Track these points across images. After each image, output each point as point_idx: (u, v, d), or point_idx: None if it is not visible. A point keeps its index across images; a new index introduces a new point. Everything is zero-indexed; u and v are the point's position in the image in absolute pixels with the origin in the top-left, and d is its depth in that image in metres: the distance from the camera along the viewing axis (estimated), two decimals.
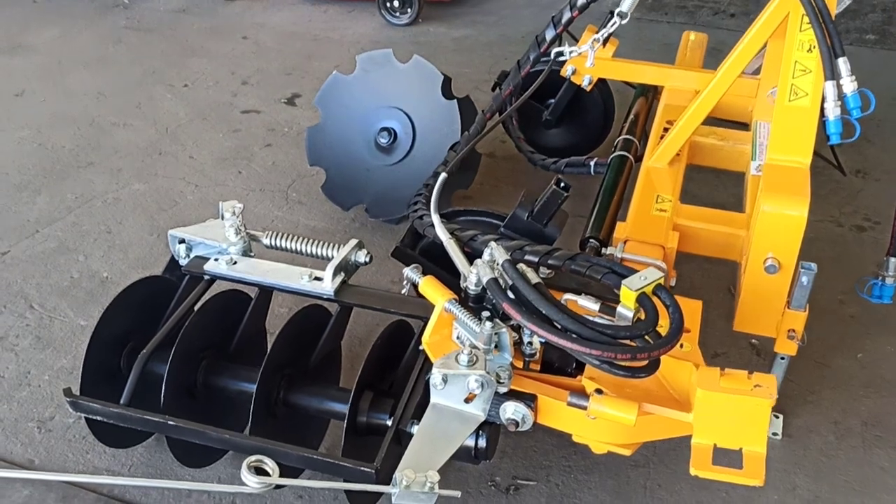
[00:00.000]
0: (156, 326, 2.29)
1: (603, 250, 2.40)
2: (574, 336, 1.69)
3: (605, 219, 2.61)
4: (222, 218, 2.43)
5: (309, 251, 2.36)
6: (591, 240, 2.49)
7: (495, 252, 1.92)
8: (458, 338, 1.95)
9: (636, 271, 1.89)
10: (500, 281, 1.87)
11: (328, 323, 2.27)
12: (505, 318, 1.92)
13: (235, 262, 2.34)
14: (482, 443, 2.00)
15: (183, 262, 2.42)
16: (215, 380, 2.26)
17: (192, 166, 3.90)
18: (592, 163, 3.13)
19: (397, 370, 2.16)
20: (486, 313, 1.93)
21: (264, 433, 2.03)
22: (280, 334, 2.12)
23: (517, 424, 1.90)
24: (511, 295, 1.84)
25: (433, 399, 1.84)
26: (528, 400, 1.90)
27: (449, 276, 2.57)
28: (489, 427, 2.04)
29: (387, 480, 1.80)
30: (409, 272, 2.05)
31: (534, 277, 1.85)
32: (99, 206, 3.60)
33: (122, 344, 2.28)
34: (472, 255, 2.10)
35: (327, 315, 2.30)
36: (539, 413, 1.92)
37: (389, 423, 2.00)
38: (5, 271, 3.19)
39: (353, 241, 2.32)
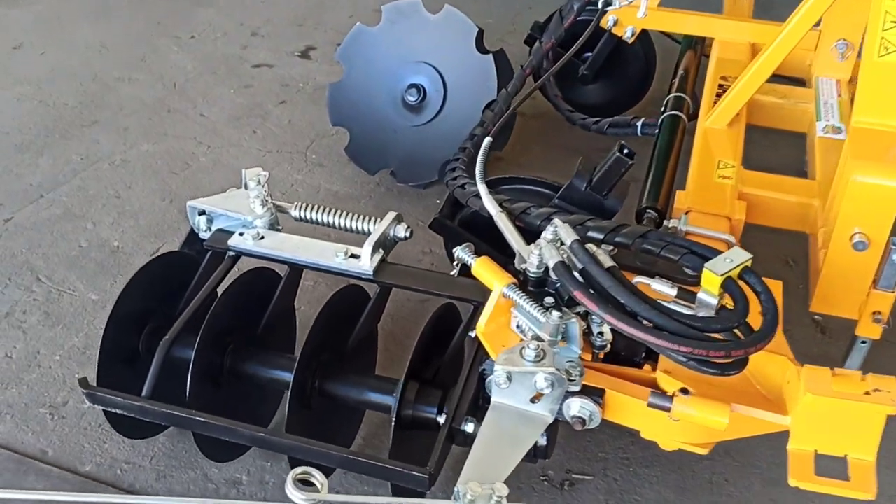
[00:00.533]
0: (176, 305, 2.10)
1: (665, 223, 2.18)
2: (659, 330, 1.49)
3: (662, 186, 2.39)
4: (246, 187, 2.22)
5: (343, 225, 2.15)
6: (648, 211, 2.27)
7: (561, 231, 1.71)
8: (517, 327, 1.75)
9: (717, 252, 1.69)
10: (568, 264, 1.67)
11: (366, 304, 2.07)
12: (570, 304, 1.73)
13: (262, 237, 2.13)
14: (542, 441, 1.82)
15: (204, 235, 2.22)
16: (243, 367, 2.07)
17: (203, 125, 3.66)
18: (639, 123, 2.89)
19: (443, 357, 1.97)
20: (549, 299, 1.73)
21: (300, 428, 1.84)
22: (319, 317, 1.92)
23: (584, 422, 1.71)
24: (580, 280, 1.63)
25: (495, 399, 1.65)
26: (597, 395, 1.70)
27: (493, 250, 2.39)
28: (551, 424, 1.86)
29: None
30: (461, 252, 1.84)
31: (606, 261, 1.64)
32: (106, 169, 3.37)
33: (141, 325, 2.08)
34: (523, 231, 1.89)
35: (364, 295, 2.10)
36: (607, 409, 1.72)
37: (439, 418, 1.81)
38: (9, 240, 2.97)
39: (392, 215, 2.11)
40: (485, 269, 1.78)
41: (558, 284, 1.73)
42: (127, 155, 3.45)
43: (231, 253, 2.12)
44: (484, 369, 1.82)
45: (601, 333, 1.72)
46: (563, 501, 2.08)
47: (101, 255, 2.90)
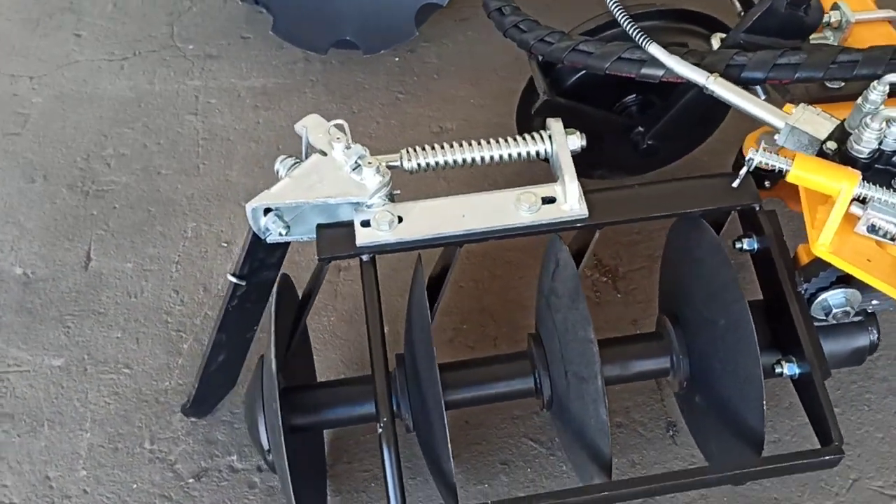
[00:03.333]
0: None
1: None
2: None
3: None
4: (309, 151, 1.47)
5: (486, 158, 1.49)
6: None
7: None
8: (871, 229, 1.31)
9: None
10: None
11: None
12: None
13: (400, 219, 1.43)
14: (875, 338, 1.49)
15: (276, 239, 1.46)
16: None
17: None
18: None
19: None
20: None
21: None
22: None
23: None
24: None
25: None
26: None
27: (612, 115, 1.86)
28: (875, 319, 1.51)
29: None
30: (760, 155, 1.31)
31: None
32: None
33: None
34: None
35: None
36: None
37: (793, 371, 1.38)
38: None
39: (556, 123, 1.49)
40: (811, 170, 1.29)
41: None
42: None
43: (365, 257, 1.41)
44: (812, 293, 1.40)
45: None
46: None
47: None
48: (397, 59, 2.43)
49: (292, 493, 1.31)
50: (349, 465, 1.73)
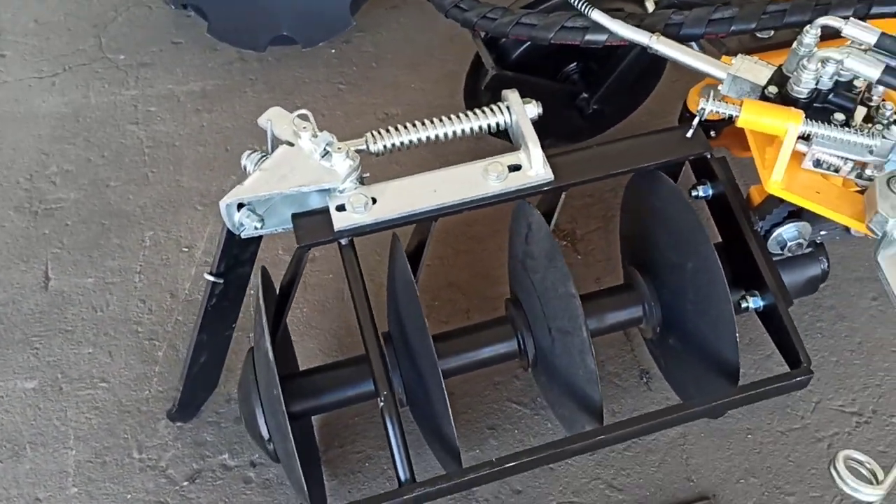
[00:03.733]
0: None
1: None
2: None
3: None
4: (275, 144, 1.49)
5: (449, 133, 1.53)
6: None
7: (854, 30, 1.34)
8: (816, 164, 1.41)
9: None
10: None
11: None
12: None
13: (374, 200, 1.46)
14: (825, 266, 1.61)
15: (252, 233, 1.49)
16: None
17: None
18: None
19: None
20: (838, 116, 1.40)
21: None
22: None
23: None
24: None
25: (887, 254, 1.34)
26: None
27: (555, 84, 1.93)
28: (824, 248, 1.62)
29: None
30: (710, 104, 1.39)
31: None
32: None
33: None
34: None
35: None
36: None
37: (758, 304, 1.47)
38: None
39: (512, 93, 1.55)
40: (759, 113, 1.37)
41: (834, 97, 1.40)
42: None
43: (344, 241, 1.45)
44: (767, 230, 1.50)
45: None
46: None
47: None
48: (334, 51, 2.45)
49: (301, 476, 1.34)
50: (341, 448, 1.76)
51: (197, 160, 2.22)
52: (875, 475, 1.14)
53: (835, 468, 1.14)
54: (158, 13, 2.55)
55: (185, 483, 1.71)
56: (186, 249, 2.05)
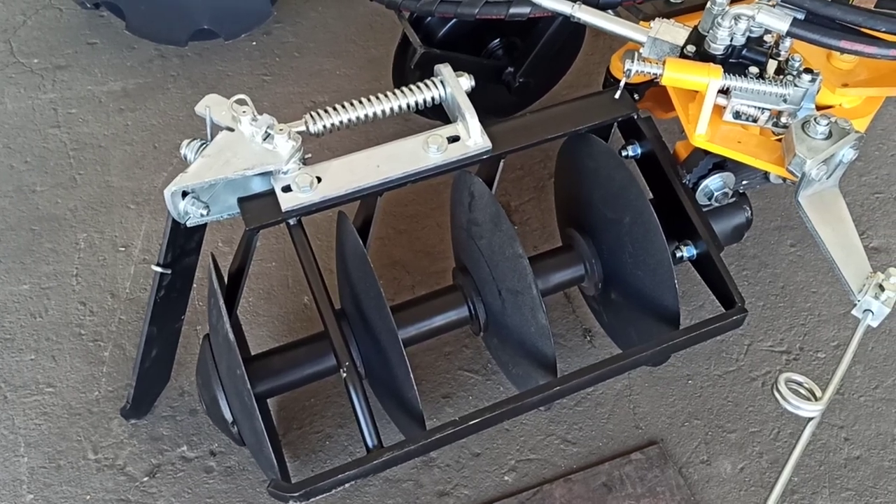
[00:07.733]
0: None
1: None
2: None
3: None
4: (214, 131, 1.50)
5: (388, 110, 1.57)
6: None
7: None
8: (735, 115, 1.50)
9: None
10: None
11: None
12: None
13: (319, 179, 1.49)
14: (749, 214, 1.71)
15: (198, 221, 1.49)
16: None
17: None
18: None
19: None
20: (753, 69, 1.49)
21: None
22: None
23: None
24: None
25: (807, 194, 1.44)
26: None
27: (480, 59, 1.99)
28: (747, 197, 1.72)
29: None
30: (636, 64, 1.46)
31: None
32: None
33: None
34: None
35: None
36: None
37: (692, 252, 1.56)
38: None
39: (445, 68, 1.59)
40: (681, 70, 1.45)
41: (748, 52, 1.49)
42: None
43: (292, 221, 1.47)
44: (695, 182, 1.59)
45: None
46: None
47: None
48: (254, 42, 2.45)
49: (272, 451, 1.36)
50: (300, 430, 1.78)
51: (125, 159, 2.19)
52: (813, 393, 1.24)
53: (777, 390, 1.23)
54: (69, 15, 2.50)
55: (146, 479, 1.71)
56: (123, 249, 2.03)
